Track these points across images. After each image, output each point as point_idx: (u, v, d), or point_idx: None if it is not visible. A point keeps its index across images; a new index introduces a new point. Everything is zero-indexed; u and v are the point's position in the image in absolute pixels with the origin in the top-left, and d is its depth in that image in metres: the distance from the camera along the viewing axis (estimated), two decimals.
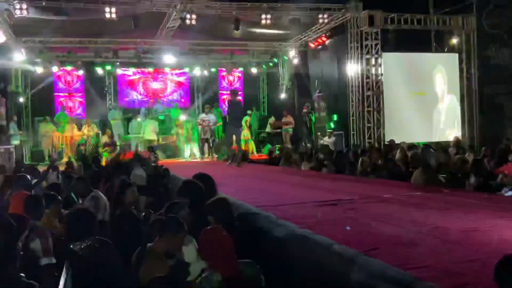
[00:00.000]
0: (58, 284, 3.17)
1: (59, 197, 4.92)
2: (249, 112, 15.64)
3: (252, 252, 3.40)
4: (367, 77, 13.29)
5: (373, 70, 13.26)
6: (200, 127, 14.31)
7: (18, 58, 14.53)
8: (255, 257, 3.30)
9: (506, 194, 5.13)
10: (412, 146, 10.45)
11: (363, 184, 5.84)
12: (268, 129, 16.94)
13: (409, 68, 13.80)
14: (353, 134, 13.55)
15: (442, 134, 14.03)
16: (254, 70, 18.85)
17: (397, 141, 12.16)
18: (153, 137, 14.90)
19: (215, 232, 2.94)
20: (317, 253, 2.72)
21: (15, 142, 13.02)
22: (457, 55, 14.48)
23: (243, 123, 15.22)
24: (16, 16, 10.95)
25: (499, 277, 1.92)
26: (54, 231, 4.16)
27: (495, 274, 1.87)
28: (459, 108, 14.37)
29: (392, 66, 13.58)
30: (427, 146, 10.01)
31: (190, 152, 14.07)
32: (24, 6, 10.77)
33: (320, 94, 15.43)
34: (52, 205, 4.52)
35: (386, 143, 12.63)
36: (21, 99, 15.98)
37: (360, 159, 8.31)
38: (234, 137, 10.48)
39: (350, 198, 4.53)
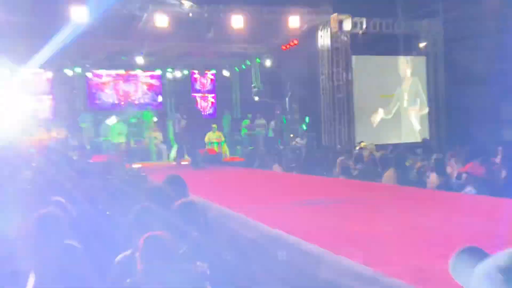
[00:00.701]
0: None
1: None
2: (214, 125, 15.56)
3: (225, 254, 3.42)
4: (338, 80, 13.50)
5: (343, 73, 13.48)
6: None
7: None
8: (229, 259, 3.33)
9: (465, 192, 5.33)
10: (379, 149, 10.74)
11: (337, 185, 5.94)
12: (243, 132, 16.95)
13: (378, 71, 14.12)
14: (325, 136, 13.73)
15: (411, 136, 14.40)
16: (226, 73, 18.88)
17: (367, 143, 12.44)
18: (121, 140, 14.68)
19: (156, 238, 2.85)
20: (288, 253, 2.76)
21: None
22: (424, 58, 14.90)
23: (214, 125, 15.40)
24: None
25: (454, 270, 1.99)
26: None
27: (450, 267, 1.96)
28: (427, 110, 14.77)
29: (362, 69, 13.86)
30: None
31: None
32: None
33: (292, 96, 15.57)
34: None
35: (355, 145, 12.87)
36: None
37: (338, 160, 8.42)
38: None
39: (323, 199, 4.60)
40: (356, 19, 13.40)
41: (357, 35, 13.58)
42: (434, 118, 14.67)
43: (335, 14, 13.12)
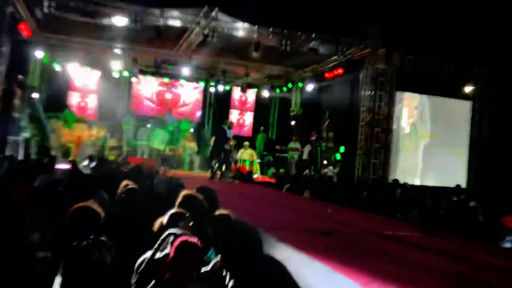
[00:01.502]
0: (53, 279, 3.20)
1: (61, 193, 5.00)
2: (246, 143, 15.64)
3: (248, 272, 3.42)
4: (378, 114, 13.38)
5: (385, 108, 13.36)
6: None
7: (39, 54, 14.81)
8: (251, 277, 3.32)
9: (504, 246, 5.12)
10: (415, 189, 10.52)
11: (365, 219, 5.85)
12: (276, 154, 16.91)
13: (422, 110, 13.91)
14: (358, 168, 13.56)
15: (448, 179, 14.02)
16: (267, 93, 19.07)
17: (401, 181, 12.22)
18: (161, 146, 15.04)
19: (189, 244, 2.87)
20: (315, 280, 2.73)
21: (25, 134, 13.16)
22: (470, 102, 14.60)
23: (246, 143, 15.52)
24: (44, 12, 11.19)
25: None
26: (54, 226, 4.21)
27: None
28: (467, 155, 14.40)
29: (405, 105, 13.69)
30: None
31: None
32: (53, 4, 11.03)
33: (330, 124, 15.52)
34: (54, 200, 4.59)
35: (389, 181, 12.65)
36: (36, 94, 16.18)
37: (364, 193, 8.34)
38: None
39: (351, 230, 4.54)
40: (405, 55, 13.32)
41: (404, 71, 13.48)
42: (474, 165, 14.27)
43: (384, 49, 13.08)
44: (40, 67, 16.14)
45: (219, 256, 3.44)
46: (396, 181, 12.60)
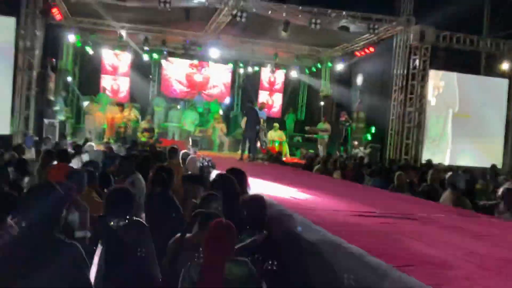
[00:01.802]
0: (92, 258, 3.31)
1: (96, 175, 5.13)
2: (276, 124, 15.58)
3: (281, 254, 3.44)
4: (411, 93, 13.06)
5: (418, 87, 13.02)
6: None
7: (71, 37, 15.07)
8: (284, 259, 3.34)
9: None
10: (448, 169, 10.25)
11: (397, 200, 5.76)
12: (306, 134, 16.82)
13: (456, 89, 13.47)
14: (390, 149, 13.35)
15: (483, 160, 13.63)
16: (296, 73, 18.87)
17: (434, 162, 11.96)
18: (192, 128, 15.17)
19: (224, 226, 2.87)
20: (349, 263, 2.72)
21: (61, 117, 13.52)
22: (507, 80, 14.04)
23: (276, 125, 15.47)
24: None
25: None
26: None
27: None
28: (503, 135, 13.92)
29: (438, 84, 13.28)
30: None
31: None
32: None
33: (360, 104, 15.26)
34: (91, 181, 4.72)
35: (423, 162, 12.40)
36: (69, 77, 16.55)
37: (397, 174, 8.19)
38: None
39: (384, 212, 4.48)
40: (439, 32, 12.87)
41: (438, 49, 13.05)
42: (510, 144, 13.82)
43: (417, 25, 12.67)
44: (73, 50, 16.44)
45: (263, 233, 3.46)
46: (429, 161, 12.34)
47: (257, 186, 5.65)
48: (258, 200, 3.73)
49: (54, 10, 12.27)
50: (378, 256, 2.69)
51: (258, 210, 3.67)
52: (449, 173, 6.30)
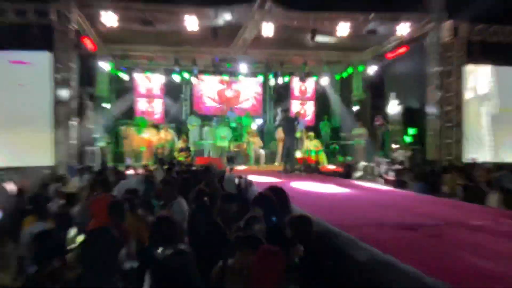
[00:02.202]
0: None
1: (138, 202, 5.18)
2: (311, 134, 15.47)
3: (329, 275, 3.34)
4: (448, 91, 12.64)
5: (454, 84, 12.59)
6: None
7: (105, 65, 15.53)
8: (332, 281, 3.24)
9: None
10: (495, 168, 9.82)
11: (445, 207, 5.53)
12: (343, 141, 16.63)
13: (495, 82, 12.93)
14: (430, 150, 12.92)
15: None
16: (327, 80, 18.70)
17: (479, 160, 11.50)
18: (224, 143, 15.22)
19: (272, 253, 2.80)
20: (406, 285, 2.59)
21: (101, 144, 13.88)
22: None
23: (311, 134, 15.32)
24: (106, 25, 11.68)
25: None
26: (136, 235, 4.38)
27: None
28: None
29: (476, 79, 12.79)
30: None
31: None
32: (113, 16, 11.48)
33: (395, 106, 14.90)
34: (133, 209, 4.76)
35: (466, 161, 11.93)
36: (106, 104, 17.01)
37: (444, 177, 7.88)
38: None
39: (434, 223, 4.30)
40: (473, 25, 12.44)
41: (473, 43, 12.59)
42: None
43: (450, 21, 12.28)
44: (107, 77, 16.92)
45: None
46: (474, 160, 11.89)
47: (298, 201, 5.56)
48: (305, 220, 3.65)
49: (87, 41, 12.68)
50: (436, 276, 2.56)
51: (305, 230, 3.60)
52: (496, 173, 5.97)
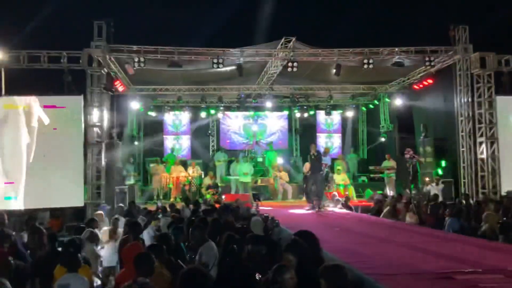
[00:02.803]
0: None
1: (168, 247, 5.14)
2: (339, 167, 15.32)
3: None
4: (480, 122, 12.36)
5: (486, 115, 12.32)
6: None
7: (134, 105, 15.95)
8: None
9: None
10: None
11: (485, 250, 5.28)
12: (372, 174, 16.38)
13: None
14: (464, 183, 12.55)
15: None
16: (353, 113, 18.63)
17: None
18: (247, 179, 15.12)
19: None
20: None
21: (130, 182, 14.09)
22: None
23: (339, 167, 15.16)
24: (135, 68, 12.06)
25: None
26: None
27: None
28: None
29: (507, 110, 12.47)
30: None
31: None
32: (142, 59, 11.85)
33: (426, 138, 14.63)
34: (161, 257, 4.71)
35: (503, 194, 11.51)
36: (136, 142, 17.36)
37: (485, 214, 7.54)
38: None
39: (471, 270, 4.11)
40: (500, 56, 12.27)
41: (502, 74, 12.36)
42: None
43: (477, 53, 12.15)
44: (136, 117, 17.33)
45: None
46: (510, 192, 11.44)
47: (328, 244, 5.43)
48: (340, 270, 3.53)
49: (117, 83, 13.10)
50: None
51: (340, 281, 3.48)
52: None
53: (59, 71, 11.46)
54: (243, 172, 15.16)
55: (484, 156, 12.29)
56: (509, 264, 4.36)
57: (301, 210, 11.44)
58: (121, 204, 10.51)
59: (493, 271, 4.10)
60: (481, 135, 12.32)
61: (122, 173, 13.63)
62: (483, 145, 12.31)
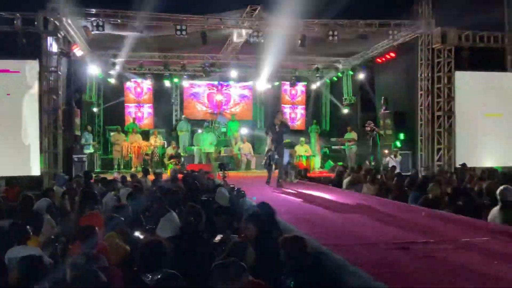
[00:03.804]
0: None
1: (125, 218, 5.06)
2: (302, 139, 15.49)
3: None
4: (438, 97, 12.70)
5: (444, 89, 12.65)
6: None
7: (93, 71, 15.36)
8: None
9: None
10: (490, 172, 9.85)
11: (437, 221, 5.49)
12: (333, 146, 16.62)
13: (484, 88, 12.99)
14: (421, 155, 12.97)
15: None
16: (317, 85, 18.71)
17: (469, 165, 11.54)
18: (211, 149, 15.07)
19: None
20: None
21: (89, 151, 13.70)
22: None
23: (302, 138, 15.32)
24: (93, 32, 11.54)
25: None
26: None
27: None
28: None
29: (465, 85, 12.84)
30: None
31: None
32: (101, 23, 11.34)
33: (386, 111, 14.93)
34: (117, 227, 4.64)
35: (457, 166, 11.99)
36: (95, 109, 16.83)
37: (430, 185, 7.80)
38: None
39: (425, 241, 4.26)
40: (461, 32, 12.52)
41: (462, 49, 12.66)
42: None
43: (438, 28, 12.35)
44: (96, 83, 16.74)
45: None
46: (463, 165, 11.89)
47: (288, 216, 5.51)
48: (299, 241, 3.57)
49: (75, 48, 12.52)
50: None
51: (299, 252, 3.53)
52: (501, 188, 5.86)
53: (12, 33, 10.82)
54: (208, 142, 15.08)
55: (441, 129, 12.68)
56: (462, 236, 4.56)
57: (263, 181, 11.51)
58: (80, 174, 10.25)
59: (445, 241, 4.26)
60: (439, 109, 12.67)
61: (80, 142, 13.24)
62: (441, 119, 12.69)
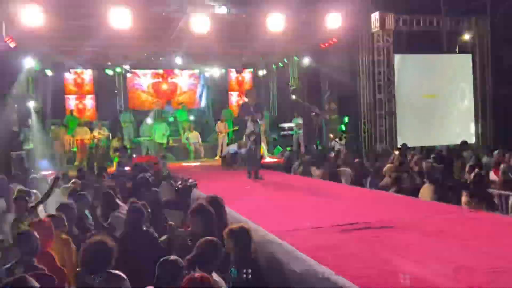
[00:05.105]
0: None
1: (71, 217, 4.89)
2: None
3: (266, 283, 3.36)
4: (379, 80, 13.14)
5: (384, 73, 13.10)
6: None
7: (29, 63, 14.55)
8: None
9: None
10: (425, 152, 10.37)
11: (377, 203, 5.72)
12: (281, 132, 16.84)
13: (422, 70, 13.60)
14: (365, 138, 13.42)
15: (456, 138, 13.83)
16: (264, 71, 18.78)
17: (410, 145, 12.08)
18: (163, 140, 14.86)
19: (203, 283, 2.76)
20: None
21: (28, 147, 13.06)
22: (470, 56, 14.26)
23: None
24: (29, 22, 10.89)
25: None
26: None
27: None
28: (472, 110, 14.16)
29: (404, 68, 13.38)
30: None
31: None
32: (38, 13, 10.71)
33: (330, 96, 15.27)
34: (60, 228, 4.47)
35: (398, 147, 12.50)
36: (32, 103, 15.97)
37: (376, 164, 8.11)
38: None
39: (367, 222, 4.43)
40: (399, 16, 12.97)
41: (400, 33, 13.13)
42: (481, 120, 14.06)
43: (377, 12, 12.72)
44: (32, 75, 15.88)
45: None
46: (404, 145, 12.41)
47: (236, 204, 5.54)
48: (244, 232, 3.61)
49: (7, 39, 11.79)
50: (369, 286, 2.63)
51: (244, 243, 3.57)
52: (425, 165, 6.25)
53: None
54: (161, 133, 14.80)
55: (382, 112, 13.16)
56: (401, 216, 4.79)
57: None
58: (19, 172, 9.76)
59: (387, 223, 4.44)
60: (380, 92, 13.13)
61: (18, 137, 12.58)
62: (382, 102, 13.15)
